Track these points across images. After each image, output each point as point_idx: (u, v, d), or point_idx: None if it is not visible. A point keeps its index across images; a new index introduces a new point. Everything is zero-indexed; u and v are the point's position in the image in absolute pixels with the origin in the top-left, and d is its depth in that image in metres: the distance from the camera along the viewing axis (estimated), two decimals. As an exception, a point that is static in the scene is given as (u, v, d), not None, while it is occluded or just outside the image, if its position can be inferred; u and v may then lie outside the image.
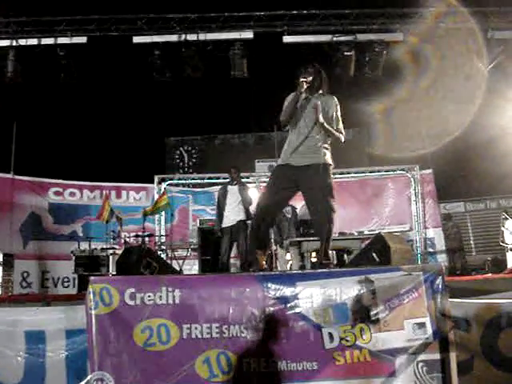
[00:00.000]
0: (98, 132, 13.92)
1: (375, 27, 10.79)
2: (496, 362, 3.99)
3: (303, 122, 4.83)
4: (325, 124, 4.72)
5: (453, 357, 3.55)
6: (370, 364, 3.57)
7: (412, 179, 13.05)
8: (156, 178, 13.12)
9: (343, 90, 12.36)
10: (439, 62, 10.91)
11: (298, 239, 8.58)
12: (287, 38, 10.73)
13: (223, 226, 8.42)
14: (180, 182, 13.80)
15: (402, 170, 13.21)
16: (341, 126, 4.91)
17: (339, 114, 4.92)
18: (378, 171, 13.42)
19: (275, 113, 5.09)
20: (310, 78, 4.80)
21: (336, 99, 4.94)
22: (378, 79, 11.27)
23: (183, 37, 10.63)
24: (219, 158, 15.26)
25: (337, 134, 4.84)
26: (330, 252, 4.88)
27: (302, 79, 4.76)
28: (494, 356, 3.99)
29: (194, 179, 14.02)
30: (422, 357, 3.56)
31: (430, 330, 3.59)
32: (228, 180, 8.88)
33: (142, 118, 14.17)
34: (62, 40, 10.46)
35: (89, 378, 3.59)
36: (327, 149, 4.85)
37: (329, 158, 4.81)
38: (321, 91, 4.92)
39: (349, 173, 13.32)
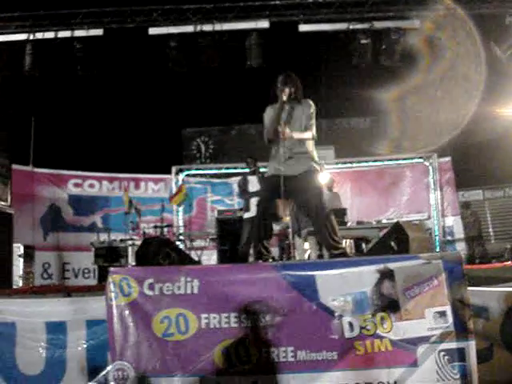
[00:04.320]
0: (116, 124, 13.94)
1: (391, 14, 10.67)
2: (516, 351, 3.96)
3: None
4: (296, 135, 4.88)
5: (472, 345, 3.53)
6: (392, 353, 3.55)
7: (430, 167, 12.94)
8: (173, 169, 13.13)
9: (360, 78, 12.30)
10: (456, 48, 10.77)
11: (316, 229, 8.54)
12: (303, 27, 10.64)
13: (246, 216, 8.40)
14: (197, 172, 13.81)
15: (420, 158, 13.10)
16: (312, 121, 5.02)
17: (314, 113, 5.05)
18: (396, 159, 13.32)
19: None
20: (287, 90, 4.96)
21: (311, 102, 5.09)
22: (394, 67, 11.17)
23: (199, 27, 10.61)
24: (236, 149, 15.24)
25: (307, 135, 4.98)
26: (347, 241, 4.90)
27: (284, 89, 4.96)
28: (515, 344, 3.97)
29: (211, 169, 14.01)
30: (443, 346, 3.53)
31: (450, 318, 3.57)
32: (247, 170, 8.89)
33: (159, 109, 14.16)
34: (78, 33, 10.48)
35: (109, 367, 3.63)
36: (312, 151, 4.98)
37: (315, 163, 4.94)
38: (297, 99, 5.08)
39: (366, 161, 13.24)
